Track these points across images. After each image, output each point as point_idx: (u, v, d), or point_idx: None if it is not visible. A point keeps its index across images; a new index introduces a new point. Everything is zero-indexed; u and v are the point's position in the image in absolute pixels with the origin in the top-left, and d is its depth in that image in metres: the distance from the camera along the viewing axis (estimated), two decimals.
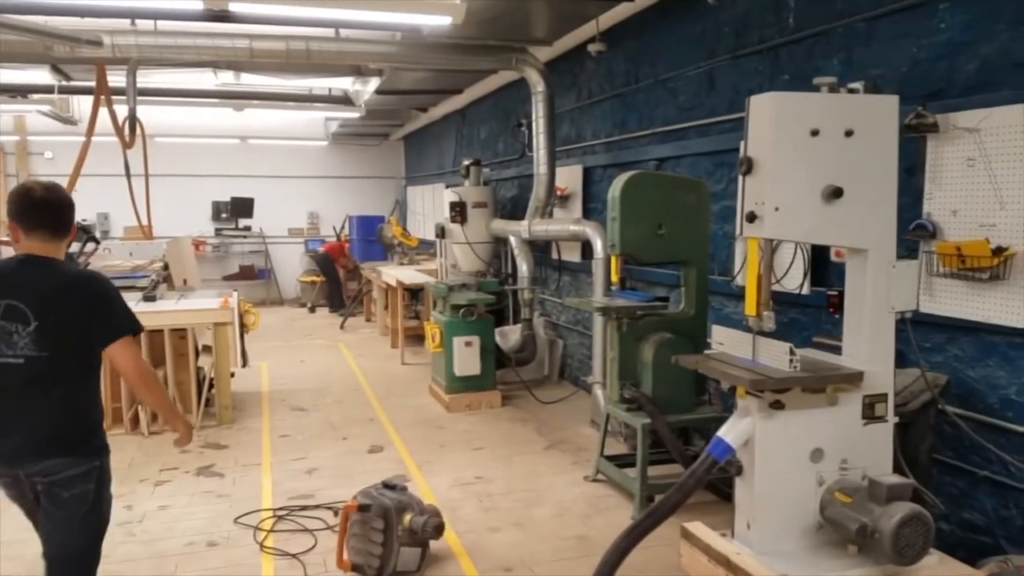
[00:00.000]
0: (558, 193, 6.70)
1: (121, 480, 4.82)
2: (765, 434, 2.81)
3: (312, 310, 12.53)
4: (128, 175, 8.18)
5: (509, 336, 7.01)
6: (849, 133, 2.85)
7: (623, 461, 4.55)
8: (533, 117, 6.61)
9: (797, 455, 2.85)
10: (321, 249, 12.63)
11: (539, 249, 7.23)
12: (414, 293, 8.95)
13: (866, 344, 2.90)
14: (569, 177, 6.81)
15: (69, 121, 10.84)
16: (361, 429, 5.94)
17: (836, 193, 2.81)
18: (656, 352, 4.29)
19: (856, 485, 2.82)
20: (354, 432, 5.86)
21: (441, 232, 7.59)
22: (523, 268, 6.93)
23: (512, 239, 7.10)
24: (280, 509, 4.37)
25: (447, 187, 7.73)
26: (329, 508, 4.34)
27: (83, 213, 11.76)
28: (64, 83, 8.19)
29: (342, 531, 3.55)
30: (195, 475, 4.99)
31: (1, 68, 7.29)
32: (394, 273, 9.10)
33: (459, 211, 7.30)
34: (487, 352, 6.38)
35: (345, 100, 9.57)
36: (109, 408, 5.74)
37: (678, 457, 4.13)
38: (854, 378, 2.85)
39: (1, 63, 6.95)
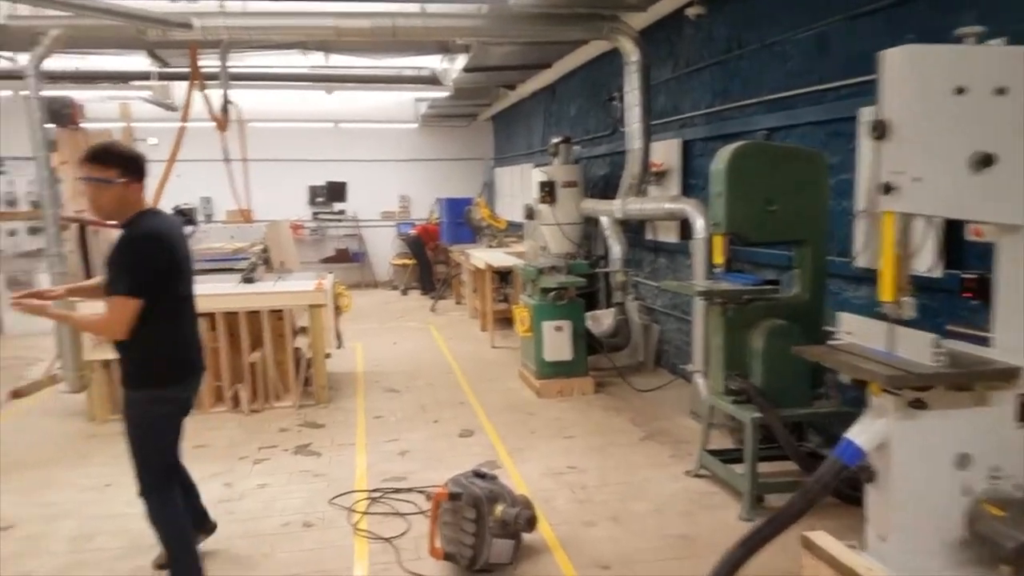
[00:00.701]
0: (653, 169, 6.40)
1: (221, 458, 4.94)
2: (903, 437, 2.50)
3: (404, 292, 12.64)
4: (227, 160, 8.46)
5: (601, 320, 6.78)
6: (1001, 91, 2.48)
7: (728, 456, 4.27)
8: (626, 89, 6.31)
9: (940, 461, 2.53)
10: (412, 232, 12.71)
11: (632, 229, 6.95)
12: (503, 276, 8.83)
13: (1022, 336, 2.53)
14: (665, 152, 6.48)
15: (169, 107, 11.22)
16: (452, 412, 5.87)
17: (985, 160, 2.46)
18: (767, 340, 3.98)
19: (1010, 496, 2.48)
20: (445, 415, 5.80)
21: (530, 213, 7.42)
22: (616, 249, 6.68)
23: (604, 219, 6.85)
24: (374, 491, 4.34)
25: (535, 167, 7.54)
26: (421, 492, 4.27)
27: (186, 197, 12.22)
28: (161, 69, 8.46)
29: (433, 519, 3.46)
30: (293, 454, 5.04)
31: (102, 55, 7.53)
32: (483, 256, 9.01)
33: (548, 191, 7.10)
34: (578, 337, 6.18)
35: (433, 80, 9.50)
36: (212, 387, 5.91)
37: (792, 455, 3.83)
38: (1009, 375, 2.49)
39: (99, 49, 7.19)
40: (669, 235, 6.55)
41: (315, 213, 13.59)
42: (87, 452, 5.10)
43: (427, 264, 12.36)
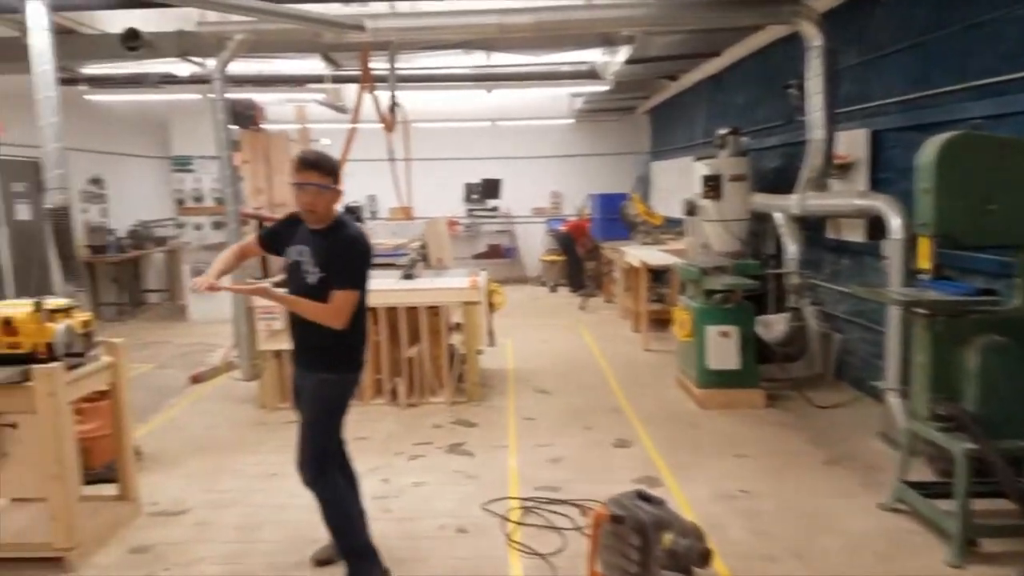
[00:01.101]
0: (836, 162, 5.78)
1: (379, 452, 4.98)
2: None
3: (553, 289, 12.50)
4: (391, 159, 8.69)
5: (773, 326, 6.23)
6: None
7: (931, 491, 3.70)
8: (807, 76, 5.74)
9: None
10: (562, 228, 12.53)
11: (810, 227, 6.34)
12: (658, 275, 8.43)
13: None
14: (850, 143, 5.84)
15: (340, 109, 11.74)
16: (605, 419, 5.61)
17: None
18: (984, 359, 3.41)
19: None
20: (598, 422, 5.55)
21: (691, 209, 6.98)
22: (791, 249, 6.11)
23: (777, 216, 6.29)
24: (527, 500, 4.17)
25: (697, 160, 7.07)
26: (577, 506, 4.06)
27: (354, 196, 12.77)
28: (334, 72, 8.78)
29: (594, 541, 3.22)
30: (446, 452, 5.00)
31: (281, 59, 7.89)
32: (637, 253, 8.64)
33: (713, 185, 6.64)
34: (747, 344, 5.69)
35: (592, 74, 9.23)
36: (372, 379, 6.01)
37: (1013, 495, 3.24)
38: None
39: (278, 53, 7.53)
40: (854, 234, 5.89)
41: (470, 210, 13.77)
42: (257, 439, 5.32)
43: (577, 261, 12.13)
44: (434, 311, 6.12)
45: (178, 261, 10.41)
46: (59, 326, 3.53)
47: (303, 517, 3.98)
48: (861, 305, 5.86)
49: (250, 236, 3.98)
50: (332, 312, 3.12)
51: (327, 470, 3.27)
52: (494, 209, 13.73)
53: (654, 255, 8.43)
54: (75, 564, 3.47)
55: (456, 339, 6.29)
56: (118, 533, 3.84)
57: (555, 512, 4.01)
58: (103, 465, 4.38)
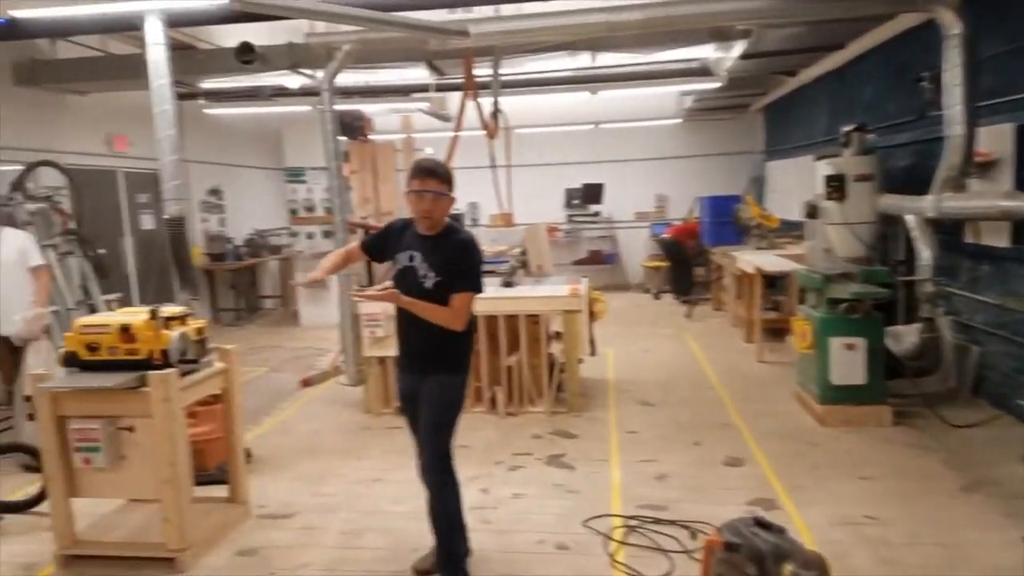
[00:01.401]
0: (977, 159, 5.25)
1: (479, 462, 4.90)
2: None
3: (657, 296, 12.15)
4: (494, 166, 8.68)
5: (903, 338, 5.73)
6: None
7: None
8: (944, 67, 5.24)
9: None
10: (667, 233, 12.14)
11: (945, 230, 5.79)
12: (773, 281, 7.98)
13: None
14: (993, 139, 5.30)
15: (444, 118, 11.88)
16: (714, 435, 5.31)
17: None
18: None
19: None
20: (707, 437, 5.26)
21: (812, 211, 6.54)
22: (924, 254, 5.59)
23: (909, 218, 5.78)
24: (631, 518, 3.98)
25: (818, 159, 6.62)
26: (685, 527, 3.83)
27: (454, 204, 12.87)
28: (439, 81, 8.86)
29: (705, 569, 2.99)
30: (546, 463, 4.87)
31: (386, 68, 8.01)
32: (751, 258, 8.23)
33: (837, 186, 6.18)
34: (875, 357, 5.24)
35: (703, 71, 8.89)
36: (472, 387, 5.96)
37: None
38: None
39: (384, 63, 7.65)
40: (997, 238, 5.33)
41: (570, 215, 13.61)
42: (361, 444, 5.36)
43: (684, 267, 11.73)
44: (534, 319, 6.02)
45: (291, 269, 10.80)
46: (174, 333, 3.64)
47: (404, 525, 3.97)
48: (1004, 316, 5.29)
49: (354, 241, 4.06)
50: (454, 315, 3.21)
51: (450, 472, 3.34)
52: (595, 214, 13.50)
53: (769, 260, 8.00)
54: (186, 565, 3.57)
55: (556, 348, 6.15)
56: (228, 535, 3.93)
57: (661, 533, 3.80)
58: (216, 467, 4.52)
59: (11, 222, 5.56)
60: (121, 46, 7.82)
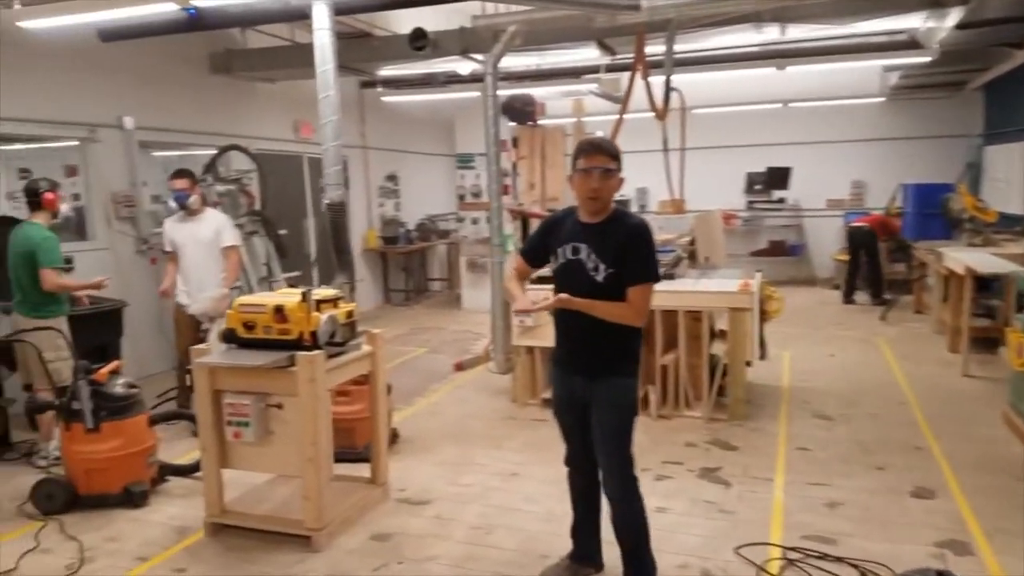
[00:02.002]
0: None
1: None
2: None
3: (847, 294, 11.01)
4: (666, 149, 8.25)
5: None
6: None
7: None
8: None
9: None
10: (858, 222, 10.87)
11: None
12: (986, 283, 6.89)
13: None
14: None
15: (617, 100, 11.48)
16: (903, 459, 4.63)
17: None
18: None
19: None
20: (893, 462, 4.60)
21: None
22: None
23: None
24: (792, 549, 3.52)
25: None
26: (854, 566, 3.33)
27: (622, 189, 12.48)
28: (609, 61, 8.51)
29: None
30: (698, 476, 4.48)
31: (554, 49, 7.79)
32: (960, 256, 7.14)
33: None
34: None
35: (911, 44, 7.83)
36: None
37: None
38: None
39: (550, 43, 7.44)
40: None
41: (750, 202, 12.72)
42: (504, 434, 5.27)
43: (878, 262, 10.50)
44: (695, 316, 5.58)
45: (457, 253, 11.01)
46: (323, 316, 3.70)
47: (536, 527, 3.81)
48: None
49: (511, 259, 3.78)
50: (635, 310, 2.92)
51: (636, 481, 3.10)
52: (780, 201, 12.52)
53: (983, 259, 6.91)
54: (321, 544, 3.63)
55: (719, 348, 5.68)
56: (365, 517, 3.97)
57: (825, 571, 3.33)
58: (364, 446, 4.60)
59: (211, 203, 5.99)
60: (307, 35, 8.25)
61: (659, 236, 7.72)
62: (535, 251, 3.19)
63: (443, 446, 5.06)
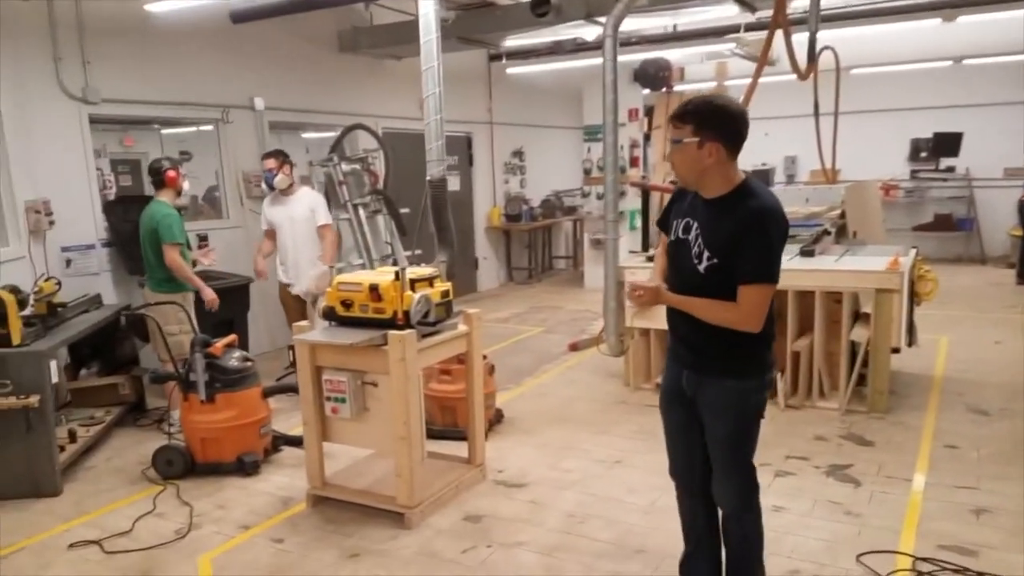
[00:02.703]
0: None
1: None
2: None
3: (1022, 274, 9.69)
4: (816, 114, 7.58)
5: None
6: None
7: None
8: None
9: None
10: None
11: None
12: None
13: None
14: None
15: (768, 63, 10.65)
16: None
17: None
18: None
19: None
20: None
21: None
22: None
23: None
24: (924, 560, 3.10)
25: None
26: None
27: (767, 157, 11.66)
28: (749, 20, 7.88)
29: None
30: (825, 473, 4.06)
31: (693, 8, 7.29)
32: None
33: None
34: None
35: None
36: None
37: None
38: None
39: (684, 3, 6.96)
40: None
41: (914, 171, 11.49)
42: (612, 419, 5.04)
43: None
44: (835, 297, 5.06)
45: (582, 230, 10.75)
46: (417, 295, 3.65)
47: (634, 520, 3.60)
48: None
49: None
50: (742, 315, 2.39)
51: (756, 498, 2.66)
52: (948, 170, 11.22)
53: None
54: (413, 521, 3.61)
55: (859, 333, 5.11)
56: (459, 496, 3.92)
57: None
58: (467, 425, 4.55)
59: (307, 182, 6.14)
60: None
61: (805, 209, 7.08)
62: (663, 223, 2.71)
63: (547, 428, 4.91)
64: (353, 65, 8.22)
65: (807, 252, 5.50)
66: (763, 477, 3.93)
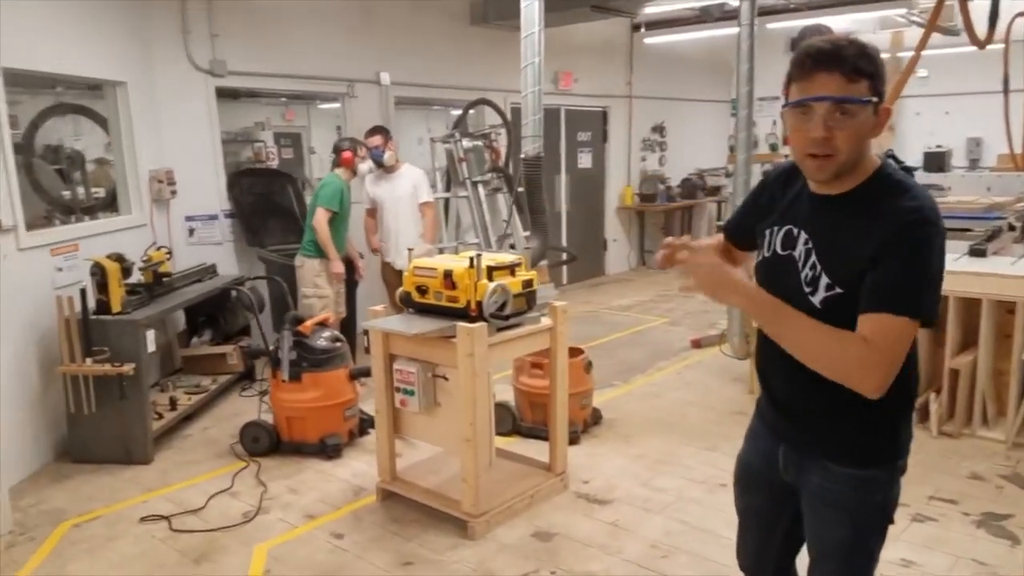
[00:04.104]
0: None
1: None
2: None
3: None
4: (1006, 90, 6.60)
5: None
6: None
7: None
8: None
9: None
10: None
11: None
12: None
13: None
14: None
15: (948, 31, 9.31)
16: None
17: None
18: None
19: None
20: None
21: None
22: None
23: None
24: None
25: None
26: None
27: (944, 138, 10.23)
28: None
29: None
30: (975, 523, 3.35)
31: None
32: None
33: None
34: None
35: None
36: None
37: None
38: None
39: None
40: None
41: None
42: (724, 432, 4.44)
43: None
44: (1007, 307, 4.20)
45: (722, 213, 9.94)
46: (491, 285, 3.34)
47: (725, 560, 3.08)
48: None
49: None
50: (872, 356, 1.49)
51: None
52: None
53: None
54: (477, 532, 3.33)
55: None
56: (534, 507, 3.59)
57: None
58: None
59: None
60: None
61: (984, 200, 6.05)
62: (739, 222, 1.96)
63: (648, 436, 4.45)
64: (484, 38, 7.95)
65: (978, 251, 4.64)
66: (900, 517, 3.33)
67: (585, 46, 8.89)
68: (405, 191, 5.59)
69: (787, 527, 1.92)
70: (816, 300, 1.60)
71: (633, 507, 3.61)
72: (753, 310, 1.63)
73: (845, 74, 1.49)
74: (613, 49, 9.44)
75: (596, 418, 4.61)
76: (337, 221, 5.18)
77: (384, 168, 5.60)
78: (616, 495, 3.73)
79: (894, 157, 5.67)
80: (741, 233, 1.94)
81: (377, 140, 5.54)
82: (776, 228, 1.74)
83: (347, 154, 5.27)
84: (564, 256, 8.52)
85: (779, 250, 1.71)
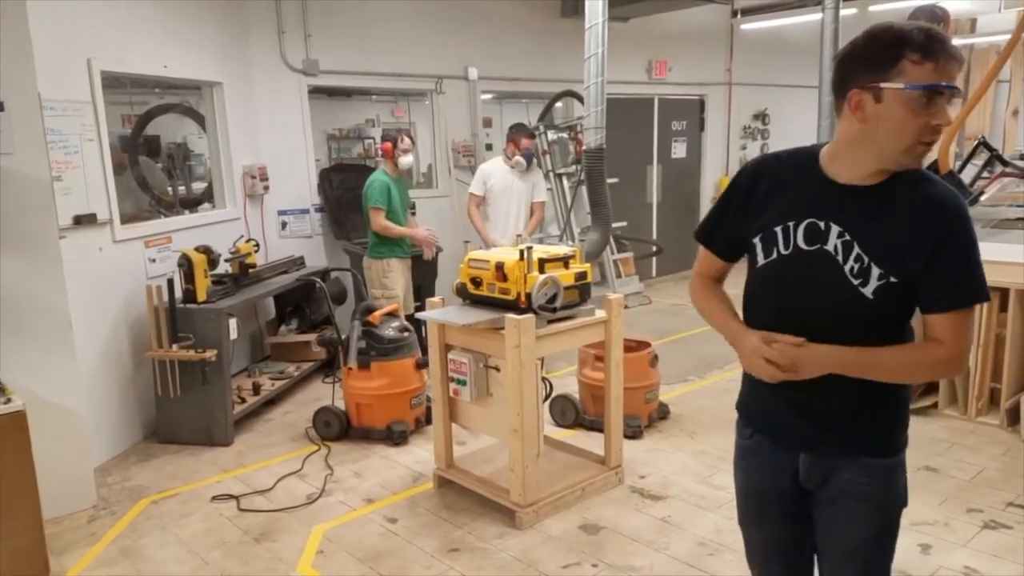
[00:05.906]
0: None
1: (945, 500, 3.38)
2: None
3: None
4: None
5: None
6: None
7: None
8: None
9: None
10: None
11: None
12: None
13: None
14: None
15: None
16: None
17: None
18: None
19: None
20: None
21: None
22: None
23: None
24: None
25: None
26: None
27: None
28: None
29: None
30: None
31: None
32: None
33: None
34: None
35: None
36: (986, 388, 4.17)
37: None
38: None
39: None
40: None
41: None
42: None
43: None
44: None
45: None
46: (541, 277, 3.35)
47: None
48: None
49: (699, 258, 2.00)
50: (952, 356, 1.59)
51: None
52: None
53: None
54: (525, 522, 3.36)
55: None
56: (585, 499, 3.58)
57: None
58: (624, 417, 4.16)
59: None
60: None
61: None
62: (723, 234, 1.82)
63: (712, 433, 4.32)
64: (575, 30, 7.87)
65: None
66: (968, 524, 3.14)
67: (680, 34, 8.65)
68: (524, 188, 5.63)
69: (813, 543, 1.83)
70: (868, 291, 1.58)
71: (687, 504, 3.53)
72: (841, 369, 1.59)
73: (960, 66, 1.52)
74: (710, 36, 9.13)
75: (663, 413, 4.53)
76: (389, 217, 5.08)
77: (528, 168, 5.63)
78: (671, 491, 3.66)
79: (986, 144, 5.22)
80: (726, 240, 1.82)
81: (529, 143, 5.57)
82: (792, 224, 1.65)
83: (386, 145, 5.13)
84: (653, 249, 8.37)
85: (803, 245, 1.63)
